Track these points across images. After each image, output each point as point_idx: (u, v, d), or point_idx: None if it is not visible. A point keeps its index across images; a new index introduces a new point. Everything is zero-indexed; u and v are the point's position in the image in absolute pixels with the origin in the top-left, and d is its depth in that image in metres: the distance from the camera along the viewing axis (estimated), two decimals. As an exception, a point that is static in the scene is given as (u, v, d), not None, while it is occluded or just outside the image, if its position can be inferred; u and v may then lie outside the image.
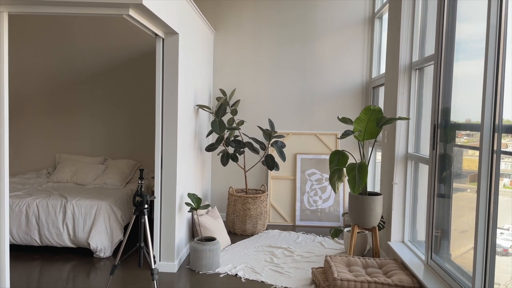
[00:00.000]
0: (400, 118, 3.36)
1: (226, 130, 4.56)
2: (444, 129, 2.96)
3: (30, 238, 3.91)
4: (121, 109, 5.44)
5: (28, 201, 3.96)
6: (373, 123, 3.59)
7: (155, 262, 3.18)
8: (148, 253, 2.48)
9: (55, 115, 5.53)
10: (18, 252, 3.98)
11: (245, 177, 4.85)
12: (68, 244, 3.89)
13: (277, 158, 5.26)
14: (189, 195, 3.74)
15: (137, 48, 5.39)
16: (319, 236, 4.72)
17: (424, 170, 3.53)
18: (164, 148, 3.55)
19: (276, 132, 4.51)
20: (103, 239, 3.83)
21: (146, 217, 2.49)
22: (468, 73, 2.78)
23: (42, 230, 3.89)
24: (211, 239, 3.73)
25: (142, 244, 2.57)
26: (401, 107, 3.61)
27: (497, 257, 2.32)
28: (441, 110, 3.00)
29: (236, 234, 4.75)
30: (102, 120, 5.47)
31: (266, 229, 4.96)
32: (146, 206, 2.48)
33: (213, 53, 5.34)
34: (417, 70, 3.58)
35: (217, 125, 4.18)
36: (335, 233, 4.06)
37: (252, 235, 4.74)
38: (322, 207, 5.19)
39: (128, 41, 5.37)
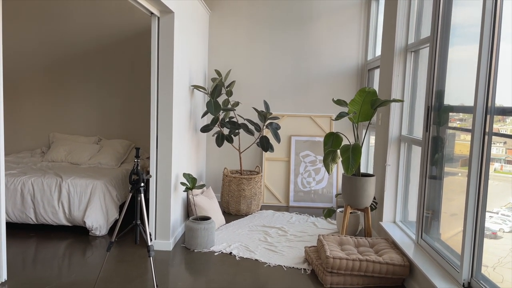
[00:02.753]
0: (394, 100, 3.38)
1: (221, 111, 4.56)
2: (438, 112, 2.99)
3: (26, 216, 3.93)
4: (115, 88, 5.41)
5: (23, 180, 3.97)
6: (368, 105, 3.62)
7: (151, 240, 3.23)
8: (145, 230, 2.52)
9: (49, 94, 5.48)
10: (14, 230, 4.01)
11: (240, 158, 4.88)
12: (64, 222, 3.93)
13: (272, 140, 5.29)
14: (184, 175, 3.77)
15: (132, 27, 5.33)
16: (312, 216, 4.80)
17: (416, 152, 3.58)
18: (160, 128, 3.55)
19: (271, 113, 4.52)
20: (98, 217, 3.87)
21: (142, 195, 2.52)
22: (463, 57, 2.80)
23: (38, 208, 3.91)
24: (206, 218, 3.78)
25: (138, 222, 2.61)
26: (395, 89, 3.63)
27: (486, 240, 2.38)
28: (435, 93, 3.03)
29: (230, 214, 4.81)
30: (96, 99, 5.44)
31: (260, 210, 5.02)
32: (142, 184, 2.50)
33: (208, 34, 5.29)
34: (413, 53, 3.59)
35: (212, 106, 4.18)
36: (328, 213, 4.13)
37: (246, 215, 4.81)
38: (315, 188, 5.26)
39: (122, 19, 5.30)
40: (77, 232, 4.00)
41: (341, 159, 3.44)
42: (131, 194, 2.50)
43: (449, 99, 2.90)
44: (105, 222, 3.91)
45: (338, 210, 4.17)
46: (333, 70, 5.25)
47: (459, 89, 2.82)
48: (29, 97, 5.49)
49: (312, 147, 5.28)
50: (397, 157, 3.67)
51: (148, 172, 4.64)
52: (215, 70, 4.99)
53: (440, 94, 2.99)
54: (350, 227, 4.03)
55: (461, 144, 2.83)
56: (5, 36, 5.45)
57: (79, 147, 5.07)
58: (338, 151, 3.71)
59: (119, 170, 4.53)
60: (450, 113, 2.87)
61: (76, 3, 5.34)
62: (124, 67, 5.38)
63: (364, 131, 5.13)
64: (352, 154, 3.39)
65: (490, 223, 2.39)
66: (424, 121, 3.11)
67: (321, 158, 5.26)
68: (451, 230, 2.87)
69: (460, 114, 2.80)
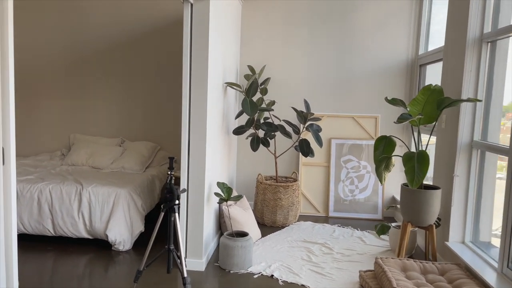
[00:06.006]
0: (469, 100, 2.84)
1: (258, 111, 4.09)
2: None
3: (43, 228, 3.55)
4: (140, 86, 5.01)
5: (40, 187, 3.59)
6: (432, 105, 3.10)
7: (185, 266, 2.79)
8: (179, 257, 2.07)
9: (69, 92, 5.13)
10: (30, 242, 3.64)
11: (275, 163, 4.40)
12: (84, 235, 3.53)
13: (313, 143, 4.79)
14: (219, 184, 3.32)
15: (159, 19, 4.91)
16: (357, 230, 4.28)
17: (491, 160, 3.03)
18: (192, 131, 3.11)
19: (312, 114, 4.02)
20: (122, 230, 3.46)
21: (176, 215, 2.07)
22: None
23: (56, 219, 3.52)
24: (243, 234, 3.32)
25: (172, 247, 2.16)
26: (467, 86, 3.08)
27: None
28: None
29: (265, 226, 4.34)
30: (119, 98, 5.06)
31: (298, 221, 4.53)
32: (176, 202, 2.06)
33: (240, 26, 4.82)
34: (489, 44, 3.03)
35: (248, 105, 3.72)
36: (382, 229, 3.61)
37: (283, 227, 4.33)
38: (358, 197, 4.74)
39: (148, 11, 4.89)
40: (98, 246, 3.60)
41: (400, 168, 2.91)
42: (163, 213, 2.05)
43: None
44: (129, 235, 3.50)
45: (393, 225, 3.65)
46: (379, 65, 4.71)
47: None
48: (48, 96, 5.14)
49: (354, 151, 4.75)
50: (467, 167, 3.13)
51: (176, 181, 4.20)
52: (248, 66, 4.52)
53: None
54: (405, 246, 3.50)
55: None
56: (22, 32, 5.11)
57: (101, 149, 4.69)
58: (393, 158, 3.20)
59: (144, 176, 4.12)
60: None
61: (98, -6, 4.96)
62: (148, 63, 4.97)
63: (421, 135, 4.58)
64: (418, 163, 2.87)
65: None
66: (512, 125, 2.56)
67: (365, 163, 4.73)
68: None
69: None
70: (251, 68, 4.49)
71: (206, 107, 3.08)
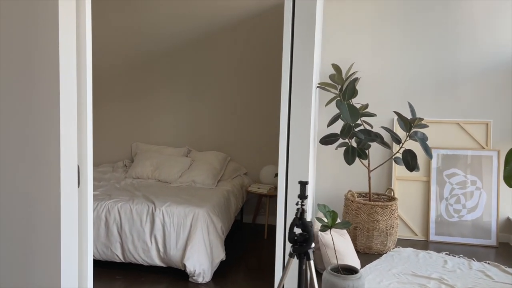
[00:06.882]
0: None
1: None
2: None
3: (111, 253, 3.10)
4: (208, 90, 4.52)
5: (108, 205, 3.15)
6: None
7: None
8: (313, 321, 1.49)
9: (131, 97, 4.73)
10: (96, 268, 3.20)
11: (369, 178, 3.74)
12: (157, 262, 3.04)
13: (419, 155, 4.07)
14: (320, 207, 2.71)
15: (234, 12, 4.41)
16: (473, 260, 3.52)
17: None
18: (292, 145, 2.53)
19: (421, 119, 3.33)
20: (202, 259, 2.93)
21: (312, 262, 1.49)
22: None
23: (126, 243, 3.06)
24: (351, 269, 2.68)
25: (300, 304, 1.59)
26: None
27: None
28: None
29: (358, 252, 3.68)
30: (185, 103, 4.60)
31: (395, 247, 3.84)
32: (313, 245, 1.48)
33: (322, 17, 4.22)
34: None
35: (347, 110, 3.09)
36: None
37: (379, 254, 3.65)
38: (466, 218, 3.97)
39: (221, 2, 4.40)
40: (173, 275, 3.11)
41: None
42: (292, 259, 1.48)
43: None
44: (209, 265, 2.97)
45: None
46: (492, 61, 3.94)
47: None
48: (108, 102, 4.77)
49: (460, 163, 4.00)
50: None
51: (247, 193, 3.64)
52: (333, 65, 3.90)
53: None
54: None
55: None
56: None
57: (167, 160, 4.24)
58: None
59: (219, 192, 3.60)
60: None
61: (164, -10, 4.54)
62: (219, 65, 4.47)
63: (539, 144, 3.76)
64: None
65: None
66: None
67: (474, 178, 3.96)
68: None
69: None
70: (336, 67, 3.87)
71: (311, 114, 2.49)
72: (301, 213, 1.52)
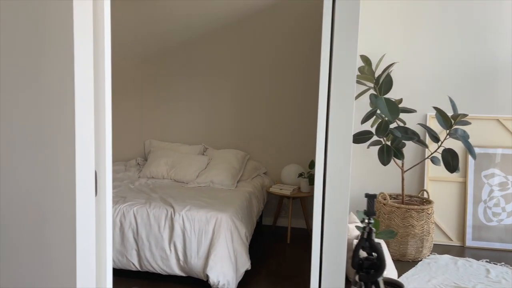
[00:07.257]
0: None
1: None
2: None
3: (127, 261, 2.85)
4: (226, 84, 4.26)
5: (123, 209, 2.90)
6: None
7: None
8: None
9: (144, 92, 4.48)
10: (113, 277, 2.95)
11: (402, 179, 3.46)
12: (177, 272, 2.79)
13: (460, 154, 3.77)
14: (359, 213, 2.43)
15: (255, 1, 4.13)
16: (517, 268, 3.24)
17: None
18: (331, 146, 2.25)
19: (465, 115, 3.04)
20: (225, 269, 2.67)
21: (381, 292, 1.23)
22: None
23: (142, 251, 2.81)
24: (394, 283, 2.41)
25: None
26: None
27: None
28: None
29: (391, 259, 3.40)
30: (200, 97, 4.33)
31: (431, 254, 3.56)
32: (385, 272, 1.22)
33: (350, 8, 3.91)
34: None
35: (385, 106, 2.81)
36: None
37: (414, 261, 3.38)
38: (505, 223, 3.68)
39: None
40: (193, 285, 2.85)
41: None
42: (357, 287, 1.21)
43: None
44: (234, 275, 2.71)
45: None
46: (537, 52, 3.62)
47: None
48: (120, 96, 4.51)
49: (501, 163, 3.70)
50: None
51: (266, 194, 3.35)
52: (361, 56, 3.62)
53: None
54: None
55: None
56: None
57: (183, 159, 3.97)
58: None
59: (241, 194, 3.33)
60: None
61: (179, -23, 4.26)
62: (239, 57, 4.20)
63: None
64: None
65: None
66: None
67: (515, 179, 3.66)
68: None
69: None
70: (365, 59, 3.59)
71: (353, 111, 2.21)
72: (368, 233, 1.24)
